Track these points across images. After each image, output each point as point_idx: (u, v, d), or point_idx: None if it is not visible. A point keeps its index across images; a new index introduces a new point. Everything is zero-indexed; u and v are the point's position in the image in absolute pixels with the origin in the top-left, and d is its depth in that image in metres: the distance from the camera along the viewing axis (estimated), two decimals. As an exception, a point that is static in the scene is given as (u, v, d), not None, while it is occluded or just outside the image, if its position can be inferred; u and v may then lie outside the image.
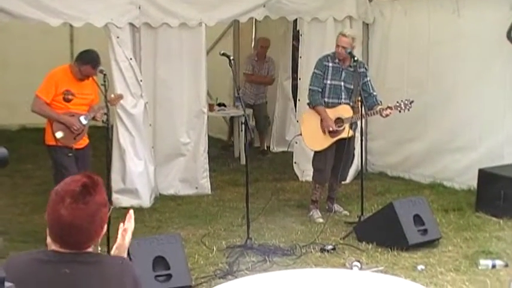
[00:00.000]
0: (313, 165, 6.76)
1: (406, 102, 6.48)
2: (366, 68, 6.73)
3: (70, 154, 5.89)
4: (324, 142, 6.51)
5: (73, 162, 5.87)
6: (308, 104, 6.64)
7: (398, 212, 5.71)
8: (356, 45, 6.76)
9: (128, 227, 2.52)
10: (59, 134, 5.86)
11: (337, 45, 6.45)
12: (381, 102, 6.54)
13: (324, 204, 6.86)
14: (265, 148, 9.85)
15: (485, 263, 5.26)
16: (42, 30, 8.70)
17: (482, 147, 7.25)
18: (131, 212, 2.56)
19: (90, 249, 2.30)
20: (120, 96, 6.44)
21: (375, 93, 6.58)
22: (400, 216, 5.69)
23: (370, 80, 6.61)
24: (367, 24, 8.34)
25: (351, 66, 6.50)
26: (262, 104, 9.74)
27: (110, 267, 2.33)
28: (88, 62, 5.91)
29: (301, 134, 6.68)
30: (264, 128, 9.84)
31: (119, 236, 2.53)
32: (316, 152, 6.65)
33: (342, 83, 6.49)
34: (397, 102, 6.47)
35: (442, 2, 7.54)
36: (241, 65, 9.71)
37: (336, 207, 6.80)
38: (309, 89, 6.56)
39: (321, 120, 6.48)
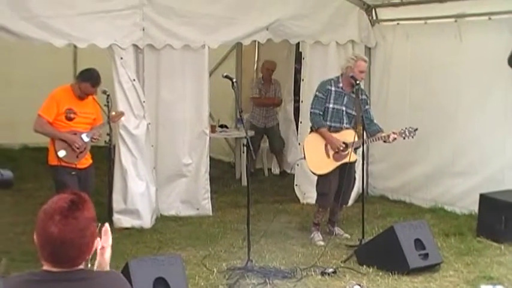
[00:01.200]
0: (317, 189, 6.75)
1: (411, 129, 6.52)
2: (366, 96, 6.76)
3: (73, 173, 5.91)
4: (328, 166, 6.51)
5: (75, 181, 5.89)
6: (311, 127, 6.65)
7: (399, 235, 5.70)
8: None
9: (104, 244, 2.49)
10: (62, 153, 5.90)
11: (361, 71, 6.46)
12: (382, 129, 6.59)
13: (325, 227, 6.85)
14: (283, 170, 9.76)
15: (486, 288, 5.24)
16: (46, 50, 8.75)
17: (483, 171, 7.26)
18: (107, 225, 2.52)
19: (81, 266, 2.29)
20: (121, 114, 6.48)
21: (375, 121, 6.63)
22: (401, 240, 5.68)
23: (369, 108, 6.66)
24: (369, 48, 8.39)
25: (353, 92, 6.53)
26: (275, 126, 9.71)
27: (102, 282, 2.30)
28: (87, 80, 5.98)
29: (304, 158, 6.67)
30: (279, 149, 9.78)
31: (98, 254, 2.49)
32: (320, 176, 6.64)
33: (344, 108, 6.52)
34: (402, 129, 6.50)
35: (443, 26, 7.60)
36: (245, 88, 9.75)
37: (337, 230, 6.80)
38: (311, 112, 6.58)
39: (325, 144, 6.48)
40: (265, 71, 9.60)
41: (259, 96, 9.54)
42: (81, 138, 5.98)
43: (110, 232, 2.52)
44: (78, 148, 5.94)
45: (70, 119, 5.99)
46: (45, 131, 5.99)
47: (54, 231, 2.20)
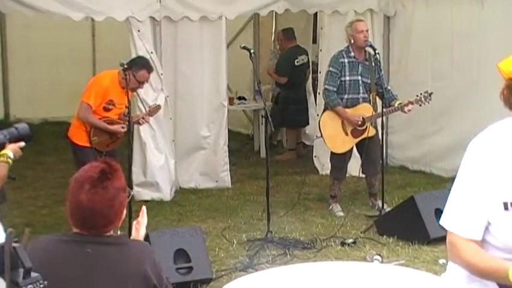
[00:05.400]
0: (331, 161, 6.71)
1: (426, 95, 6.42)
2: (380, 62, 6.53)
3: (103, 155, 5.85)
4: (347, 144, 6.45)
5: None
6: (325, 104, 6.57)
7: (420, 205, 5.68)
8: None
9: (140, 221, 2.61)
10: (95, 140, 5.86)
11: (360, 32, 6.34)
12: (396, 96, 6.50)
13: (367, 201, 6.77)
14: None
15: (507, 257, 5.21)
16: (64, 26, 8.76)
17: (505, 141, 7.16)
18: (144, 208, 2.64)
19: (111, 233, 2.37)
20: (158, 107, 6.39)
21: (389, 88, 6.56)
22: (421, 210, 5.66)
23: (383, 74, 6.57)
24: (388, 17, 8.28)
25: (366, 60, 6.44)
26: None
27: (131, 249, 2.38)
28: (144, 67, 5.85)
29: (321, 136, 6.60)
30: None
31: (133, 228, 2.63)
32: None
33: (359, 77, 6.42)
34: (417, 95, 6.42)
35: (465, -7, 7.47)
36: (262, 59, 9.69)
37: (380, 203, 6.52)
38: (325, 88, 6.43)
39: (342, 121, 6.41)
40: (280, 42, 9.53)
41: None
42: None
43: (145, 212, 2.63)
44: (120, 137, 5.92)
45: (107, 110, 5.86)
46: (90, 123, 5.80)
47: (83, 199, 2.28)
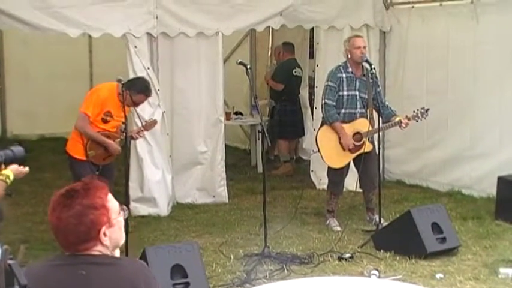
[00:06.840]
0: (328, 176, 6.71)
1: (423, 111, 6.45)
2: (376, 78, 6.62)
3: (97, 172, 5.83)
4: (344, 159, 6.46)
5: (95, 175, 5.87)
6: (323, 118, 6.58)
7: (417, 220, 5.68)
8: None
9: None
10: (91, 153, 5.86)
11: (357, 47, 6.39)
12: (395, 111, 6.52)
13: (365, 215, 6.76)
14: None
15: (505, 271, 5.20)
16: (62, 42, 8.80)
17: (501, 154, 7.19)
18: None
19: (94, 252, 2.31)
20: (155, 122, 6.41)
21: (387, 103, 6.58)
22: (418, 224, 5.66)
23: (380, 90, 6.60)
24: (384, 32, 8.33)
25: (364, 75, 6.47)
26: None
27: (124, 269, 2.35)
28: (142, 92, 5.86)
29: (319, 151, 6.60)
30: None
31: None
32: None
33: (357, 93, 6.45)
34: (414, 111, 6.44)
35: (460, 8, 7.52)
36: (259, 74, 9.73)
37: (377, 218, 6.49)
38: (324, 103, 6.45)
39: (339, 137, 6.42)
40: (278, 54, 9.58)
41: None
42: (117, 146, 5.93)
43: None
44: (115, 154, 5.90)
45: (105, 122, 5.86)
46: (87, 133, 5.78)
47: (52, 219, 2.30)
